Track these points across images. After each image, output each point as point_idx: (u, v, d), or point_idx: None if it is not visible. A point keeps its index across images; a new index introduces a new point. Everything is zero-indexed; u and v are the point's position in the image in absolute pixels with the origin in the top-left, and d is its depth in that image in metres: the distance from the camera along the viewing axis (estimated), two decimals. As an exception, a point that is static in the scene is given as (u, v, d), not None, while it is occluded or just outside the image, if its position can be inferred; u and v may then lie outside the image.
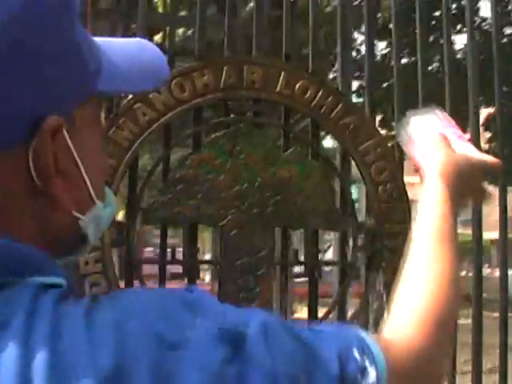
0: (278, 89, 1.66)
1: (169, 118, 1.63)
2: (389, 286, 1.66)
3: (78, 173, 0.50)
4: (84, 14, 1.69)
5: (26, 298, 0.44)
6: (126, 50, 0.57)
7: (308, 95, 1.67)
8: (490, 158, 0.86)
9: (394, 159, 1.69)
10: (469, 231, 1.84)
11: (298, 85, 1.67)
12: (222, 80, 1.64)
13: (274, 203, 1.62)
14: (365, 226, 1.67)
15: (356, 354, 0.52)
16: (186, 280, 1.61)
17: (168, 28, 1.79)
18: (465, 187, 0.80)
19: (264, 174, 1.62)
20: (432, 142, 0.81)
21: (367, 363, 0.52)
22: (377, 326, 1.64)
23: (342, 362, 0.51)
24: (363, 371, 0.52)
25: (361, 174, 1.68)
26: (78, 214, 0.51)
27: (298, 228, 1.69)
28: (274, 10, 4.07)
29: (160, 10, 6.78)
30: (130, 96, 1.64)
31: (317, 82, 1.68)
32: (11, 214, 0.48)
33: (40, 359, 0.41)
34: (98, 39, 0.54)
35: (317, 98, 1.67)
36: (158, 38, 6.75)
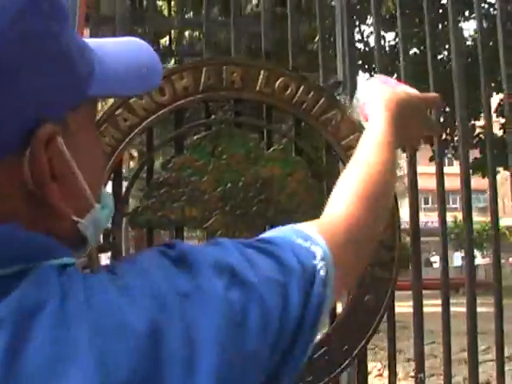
0: (258, 88, 1.66)
1: (150, 122, 1.63)
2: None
3: (74, 177, 0.50)
4: (78, 17, 1.70)
5: (53, 278, 0.46)
6: (121, 51, 0.58)
7: (289, 92, 1.66)
8: (429, 94, 0.95)
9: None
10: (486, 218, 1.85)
11: (278, 82, 1.66)
12: (202, 82, 1.65)
13: (257, 202, 1.62)
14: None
15: (302, 243, 0.60)
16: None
17: (175, 31, 1.79)
18: (411, 118, 0.87)
19: (247, 174, 1.62)
20: (375, 90, 0.88)
21: (312, 247, 0.60)
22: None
23: (299, 258, 0.58)
24: (312, 254, 0.59)
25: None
26: (77, 218, 0.52)
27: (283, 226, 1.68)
28: (278, 7, 4.07)
29: (165, 13, 6.80)
30: (111, 101, 1.65)
31: (297, 78, 1.68)
32: (12, 220, 0.48)
33: (80, 323, 0.44)
34: (92, 41, 0.55)
35: (298, 95, 1.67)
36: (164, 41, 6.79)
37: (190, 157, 1.62)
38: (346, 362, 1.61)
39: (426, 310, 1.81)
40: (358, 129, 1.67)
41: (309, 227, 0.65)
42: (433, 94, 0.97)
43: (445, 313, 1.75)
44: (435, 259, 20.04)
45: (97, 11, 2.35)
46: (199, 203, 1.61)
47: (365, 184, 0.74)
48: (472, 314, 1.76)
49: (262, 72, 1.66)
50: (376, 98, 0.86)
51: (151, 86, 0.60)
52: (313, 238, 0.62)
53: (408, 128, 0.87)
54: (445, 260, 1.82)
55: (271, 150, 1.65)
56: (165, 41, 6.77)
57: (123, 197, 1.63)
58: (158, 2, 6.50)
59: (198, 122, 1.72)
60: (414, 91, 0.90)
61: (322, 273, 0.59)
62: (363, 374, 1.66)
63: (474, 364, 1.76)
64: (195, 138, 1.64)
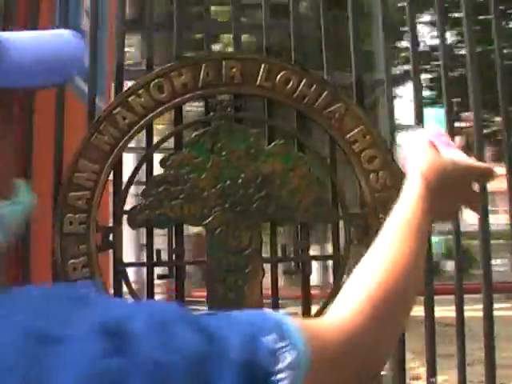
0: (258, 82, 1.62)
1: (149, 119, 1.62)
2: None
3: None
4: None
5: None
6: (33, 44, 0.56)
7: (290, 86, 1.62)
8: (480, 164, 0.80)
9: (387, 147, 1.61)
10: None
11: (279, 76, 1.62)
12: (201, 78, 1.62)
13: (258, 199, 1.58)
14: (357, 217, 1.60)
15: (269, 338, 0.50)
16: (174, 280, 1.60)
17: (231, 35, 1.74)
18: (451, 190, 0.76)
19: (247, 170, 1.58)
20: (420, 148, 0.77)
21: (283, 348, 0.50)
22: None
23: (250, 347, 0.49)
24: (277, 356, 0.50)
25: (350, 162, 1.61)
26: None
27: (285, 223, 1.63)
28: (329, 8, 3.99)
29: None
30: (111, 101, 1.65)
31: (299, 71, 1.63)
32: None
33: None
34: (3, 34, 0.54)
35: (299, 88, 1.62)
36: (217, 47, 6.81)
37: (188, 154, 1.59)
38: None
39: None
40: (363, 122, 1.62)
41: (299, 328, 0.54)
42: (484, 166, 0.82)
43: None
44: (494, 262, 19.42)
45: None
46: (198, 200, 1.58)
47: (381, 282, 0.64)
48: None
49: (262, 66, 1.62)
50: (417, 158, 0.76)
51: (64, 77, 0.58)
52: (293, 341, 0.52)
53: (444, 201, 0.77)
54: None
55: (272, 145, 1.61)
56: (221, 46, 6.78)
57: (122, 195, 1.61)
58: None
59: (198, 119, 1.69)
60: (463, 158, 0.79)
61: None
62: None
63: None
64: (194, 134, 1.61)
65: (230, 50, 1.98)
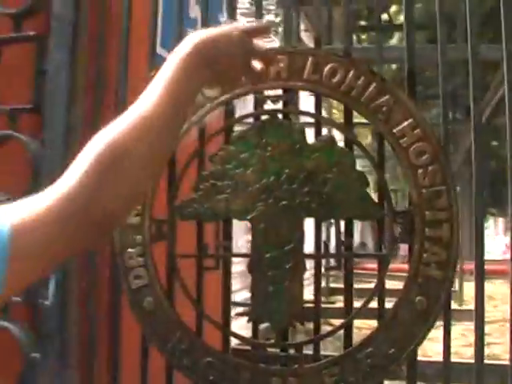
0: (305, 75, 1.61)
1: (200, 115, 1.67)
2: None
3: None
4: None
5: None
6: None
7: (337, 78, 1.58)
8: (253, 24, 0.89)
9: (438, 141, 1.52)
10: None
11: (326, 69, 1.59)
12: (249, 73, 1.64)
13: (301, 194, 1.57)
14: (403, 214, 1.54)
15: None
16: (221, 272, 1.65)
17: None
18: (226, 57, 0.83)
19: (291, 165, 1.58)
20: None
21: None
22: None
23: None
24: None
25: (397, 158, 1.54)
26: None
27: (327, 218, 1.61)
28: None
29: None
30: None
31: (347, 63, 1.59)
32: None
33: None
34: None
35: (346, 81, 1.58)
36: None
37: (235, 149, 1.63)
38: (391, 366, 1.51)
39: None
40: (412, 115, 1.55)
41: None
42: (258, 24, 0.93)
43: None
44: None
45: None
46: (243, 195, 1.61)
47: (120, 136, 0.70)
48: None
49: (309, 59, 1.60)
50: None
51: None
52: None
53: (221, 66, 0.84)
54: None
55: (316, 140, 1.59)
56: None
57: (174, 189, 1.69)
58: None
59: (247, 114, 1.71)
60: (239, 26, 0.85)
61: None
62: (412, 378, 1.53)
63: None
64: (240, 130, 1.64)
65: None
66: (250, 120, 1.69)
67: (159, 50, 2.37)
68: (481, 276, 1.52)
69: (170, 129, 0.76)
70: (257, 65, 0.91)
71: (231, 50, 0.84)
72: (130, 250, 1.69)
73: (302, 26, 7.41)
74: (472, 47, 1.56)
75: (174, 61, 0.79)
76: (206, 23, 1.74)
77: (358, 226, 16.07)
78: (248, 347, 1.70)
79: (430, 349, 3.52)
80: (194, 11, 2.43)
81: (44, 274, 0.71)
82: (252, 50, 0.89)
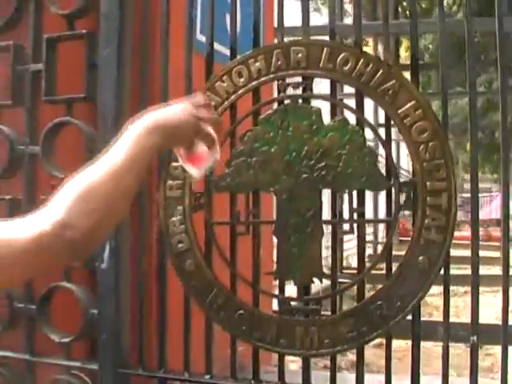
0: (321, 64, 1.83)
1: (231, 100, 1.92)
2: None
3: None
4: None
5: None
6: None
7: (349, 66, 1.80)
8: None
9: (437, 120, 1.73)
10: None
11: (339, 58, 1.81)
12: (272, 63, 1.87)
13: (318, 169, 1.81)
14: (407, 185, 1.76)
15: None
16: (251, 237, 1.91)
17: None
18: (176, 128, 1.10)
19: (309, 143, 1.82)
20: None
21: None
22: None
23: None
24: None
25: (403, 136, 1.76)
26: None
27: (342, 189, 1.83)
28: None
29: None
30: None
31: (357, 53, 1.80)
32: None
33: None
34: None
35: (357, 68, 1.79)
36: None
37: (261, 130, 1.87)
38: (398, 317, 1.74)
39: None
40: (415, 97, 1.75)
41: None
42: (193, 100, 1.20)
43: None
44: None
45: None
46: (269, 170, 1.85)
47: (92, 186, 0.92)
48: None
49: (324, 50, 1.82)
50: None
51: None
52: None
53: (174, 133, 1.10)
54: None
55: (331, 121, 1.82)
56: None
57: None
58: None
59: (271, 99, 1.95)
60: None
61: None
62: (416, 328, 1.76)
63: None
64: (266, 113, 1.88)
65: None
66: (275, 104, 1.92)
67: (199, 36, 2.61)
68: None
69: (131, 174, 0.98)
70: (210, 130, 1.17)
71: (178, 119, 1.10)
72: (173, 218, 1.96)
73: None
74: None
75: (132, 131, 1.03)
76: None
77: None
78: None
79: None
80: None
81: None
82: (200, 118, 1.15)
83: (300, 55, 1.85)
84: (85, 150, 2.07)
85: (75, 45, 2.12)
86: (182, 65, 2.02)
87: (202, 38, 2.31)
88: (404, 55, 9.63)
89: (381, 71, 1.77)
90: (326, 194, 1.82)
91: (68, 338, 2.11)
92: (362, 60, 1.79)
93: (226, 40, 2.00)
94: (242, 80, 1.91)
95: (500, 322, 1.74)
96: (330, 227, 1.86)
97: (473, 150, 1.81)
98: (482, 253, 1.82)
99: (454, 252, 1.75)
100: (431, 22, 5.47)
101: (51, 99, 2.10)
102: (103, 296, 2.10)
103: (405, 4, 9.57)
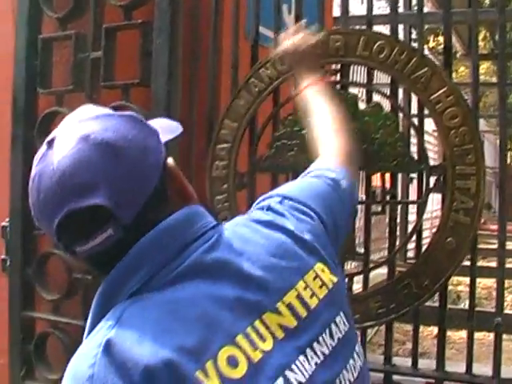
0: (358, 52, 1.92)
1: (273, 86, 2.04)
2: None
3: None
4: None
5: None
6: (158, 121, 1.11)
7: (384, 54, 1.88)
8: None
9: (467, 106, 1.80)
10: None
11: (375, 46, 1.89)
12: (313, 51, 1.97)
13: (354, 151, 1.91)
14: (437, 168, 1.84)
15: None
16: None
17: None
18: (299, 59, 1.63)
19: (345, 128, 1.92)
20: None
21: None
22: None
23: None
24: None
25: (434, 121, 1.84)
26: None
27: (375, 171, 1.93)
28: None
29: None
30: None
31: (392, 41, 1.88)
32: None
33: None
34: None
35: (391, 56, 1.87)
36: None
37: (300, 114, 1.98)
38: (425, 296, 1.84)
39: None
40: (446, 84, 1.83)
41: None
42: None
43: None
44: None
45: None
46: (307, 152, 1.96)
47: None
48: None
49: (361, 38, 1.91)
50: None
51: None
52: None
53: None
54: None
55: (366, 107, 1.91)
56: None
57: (254, 147, 2.08)
58: None
59: (311, 85, 2.05)
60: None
61: None
62: (443, 307, 1.85)
63: None
64: (305, 99, 1.98)
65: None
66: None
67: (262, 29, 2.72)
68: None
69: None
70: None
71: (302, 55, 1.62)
72: (218, 197, 2.11)
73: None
74: None
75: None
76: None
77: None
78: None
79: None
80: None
81: None
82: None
83: (338, 43, 1.94)
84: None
85: (131, 34, 2.28)
86: (229, 50, 2.15)
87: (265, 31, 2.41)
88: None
89: (414, 59, 1.85)
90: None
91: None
92: (396, 48, 1.87)
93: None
94: (284, 67, 2.02)
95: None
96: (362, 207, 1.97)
97: (501, 142, 1.86)
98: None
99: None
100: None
101: (109, 85, 2.26)
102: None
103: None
